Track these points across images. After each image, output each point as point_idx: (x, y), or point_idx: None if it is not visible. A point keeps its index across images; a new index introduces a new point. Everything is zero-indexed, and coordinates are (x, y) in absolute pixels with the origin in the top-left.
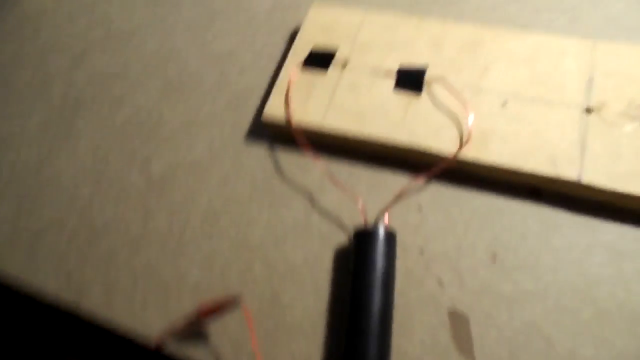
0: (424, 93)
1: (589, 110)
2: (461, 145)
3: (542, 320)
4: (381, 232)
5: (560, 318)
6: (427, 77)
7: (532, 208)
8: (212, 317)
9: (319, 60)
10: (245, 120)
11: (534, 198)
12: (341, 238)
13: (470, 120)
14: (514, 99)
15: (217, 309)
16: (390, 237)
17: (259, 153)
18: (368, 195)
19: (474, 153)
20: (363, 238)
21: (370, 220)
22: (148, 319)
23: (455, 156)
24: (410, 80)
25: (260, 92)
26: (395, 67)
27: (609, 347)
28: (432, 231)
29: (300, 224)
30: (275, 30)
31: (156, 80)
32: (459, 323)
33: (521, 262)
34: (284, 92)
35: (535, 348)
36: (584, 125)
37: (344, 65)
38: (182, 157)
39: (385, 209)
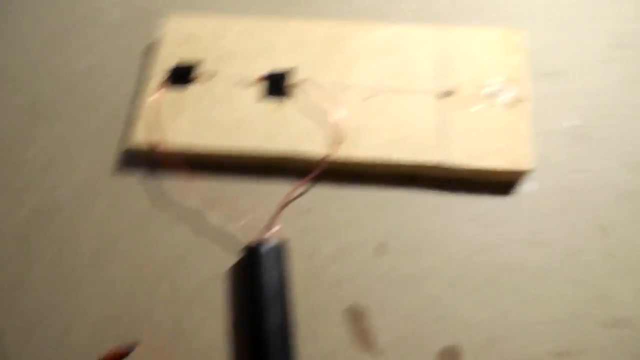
0: (292, 97)
1: (445, 94)
2: (335, 146)
3: (432, 298)
4: (267, 246)
5: (447, 292)
6: (293, 79)
7: (408, 194)
8: None
9: (184, 75)
10: (114, 149)
11: (409, 184)
12: (234, 257)
13: (339, 119)
14: (378, 92)
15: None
16: (280, 248)
17: (133, 182)
18: (255, 209)
19: (347, 150)
20: (252, 255)
21: (260, 234)
22: None
23: (329, 158)
24: (275, 86)
25: (126, 116)
26: (263, 73)
27: (489, 309)
28: (322, 233)
29: (189, 249)
30: (130, 46)
31: (9, 109)
32: (360, 319)
33: (408, 247)
34: (150, 114)
35: (428, 324)
36: (441, 110)
37: (210, 78)
38: (46, 201)
39: (271, 221)
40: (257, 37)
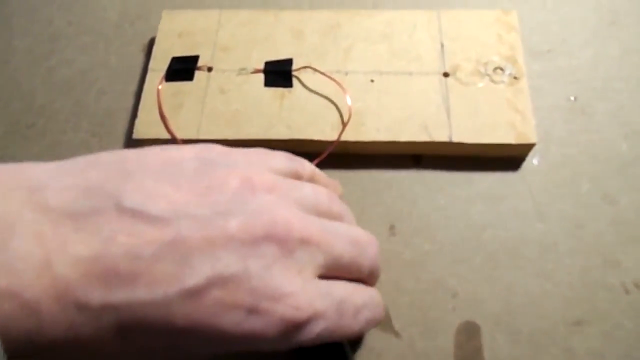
0: (295, 84)
1: (446, 75)
2: (344, 126)
3: (444, 277)
4: None
5: (458, 270)
6: (294, 67)
7: (415, 174)
8: None
9: (182, 69)
10: (116, 146)
11: (415, 165)
12: None
13: (348, 101)
14: (380, 76)
15: None
16: None
17: None
18: None
19: (354, 133)
20: None
21: None
22: None
23: (338, 139)
24: (278, 75)
25: (127, 114)
26: (262, 64)
27: (500, 284)
28: None
29: None
30: (128, 44)
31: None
32: None
33: (416, 227)
34: (152, 108)
35: (443, 302)
36: (444, 89)
37: (210, 70)
38: None
39: None
40: (254, 29)
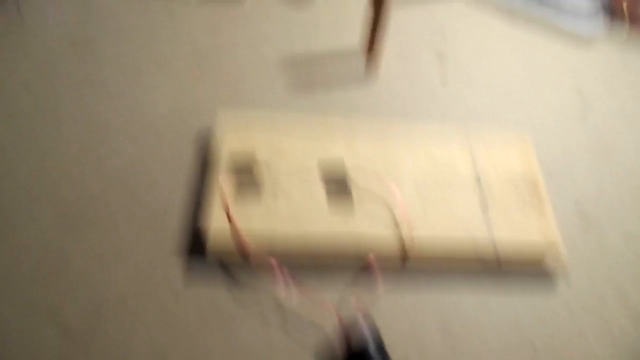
0: (354, 193)
1: (481, 191)
2: (404, 241)
3: None
4: (373, 346)
5: None
6: (350, 174)
7: (465, 284)
8: None
9: (244, 168)
10: (170, 239)
11: (464, 274)
12: (311, 350)
13: (402, 212)
14: (425, 187)
15: None
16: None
17: (197, 273)
18: (328, 296)
19: (414, 241)
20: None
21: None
22: None
23: (405, 252)
24: (338, 186)
25: (181, 208)
26: (318, 168)
27: None
28: (388, 317)
29: (262, 343)
30: (178, 137)
31: (48, 209)
32: None
33: (467, 329)
34: (220, 205)
35: None
36: (484, 206)
37: (270, 171)
38: (102, 296)
39: (361, 310)
40: (308, 134)
